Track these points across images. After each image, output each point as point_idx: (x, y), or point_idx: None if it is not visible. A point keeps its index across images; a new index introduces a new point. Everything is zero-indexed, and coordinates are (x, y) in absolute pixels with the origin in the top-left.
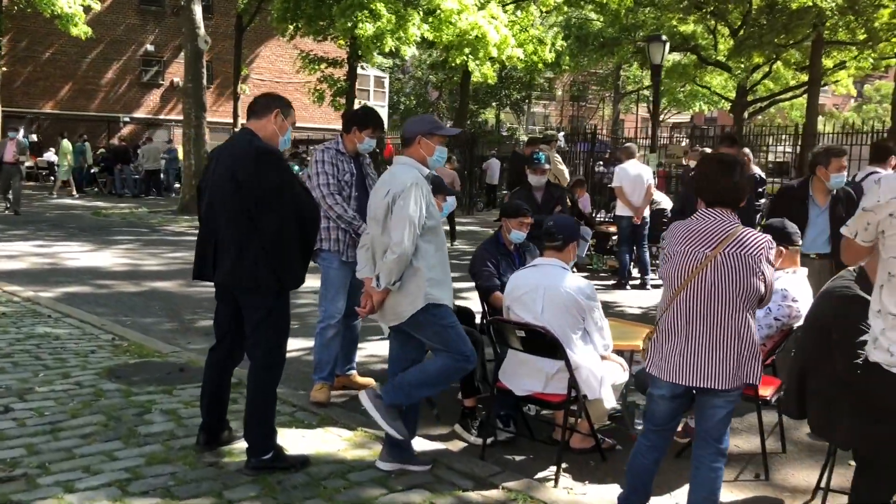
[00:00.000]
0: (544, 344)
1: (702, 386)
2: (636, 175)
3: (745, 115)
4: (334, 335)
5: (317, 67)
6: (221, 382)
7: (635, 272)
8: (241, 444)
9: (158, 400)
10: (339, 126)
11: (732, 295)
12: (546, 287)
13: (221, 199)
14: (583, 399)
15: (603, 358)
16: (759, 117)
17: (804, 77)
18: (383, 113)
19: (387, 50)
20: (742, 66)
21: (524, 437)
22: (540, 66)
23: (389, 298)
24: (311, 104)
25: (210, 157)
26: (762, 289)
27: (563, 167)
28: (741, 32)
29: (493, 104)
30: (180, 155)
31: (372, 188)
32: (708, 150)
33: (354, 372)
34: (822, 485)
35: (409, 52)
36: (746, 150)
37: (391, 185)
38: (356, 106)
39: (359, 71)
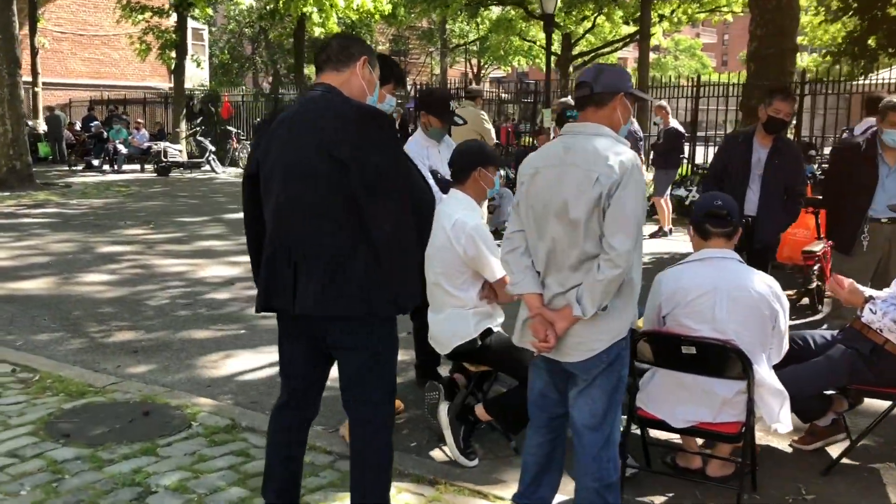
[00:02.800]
0: (723, 361)
1: None
2: None
3: (570, 69)
4: None
5: (141, 17)
6: (295, 456)
7: None
8: None
9: (148, 468)
10: (156, 83)
11: None
12: (729, 288)
13: (306, 188)
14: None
15: None
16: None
17: (622, 31)
18: (205, 67)
19: None
20: (574, 18)
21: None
22: (377, 17)
23: (582, 325)
24: (122, 60)
25: (268, 125)
26: None
27: (490, 126)
28: None
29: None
30: None
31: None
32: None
33: None
34: None
35: (247, 1)
36: (663, 102)
37: (595, 166)
38: (189, 60)
39: None
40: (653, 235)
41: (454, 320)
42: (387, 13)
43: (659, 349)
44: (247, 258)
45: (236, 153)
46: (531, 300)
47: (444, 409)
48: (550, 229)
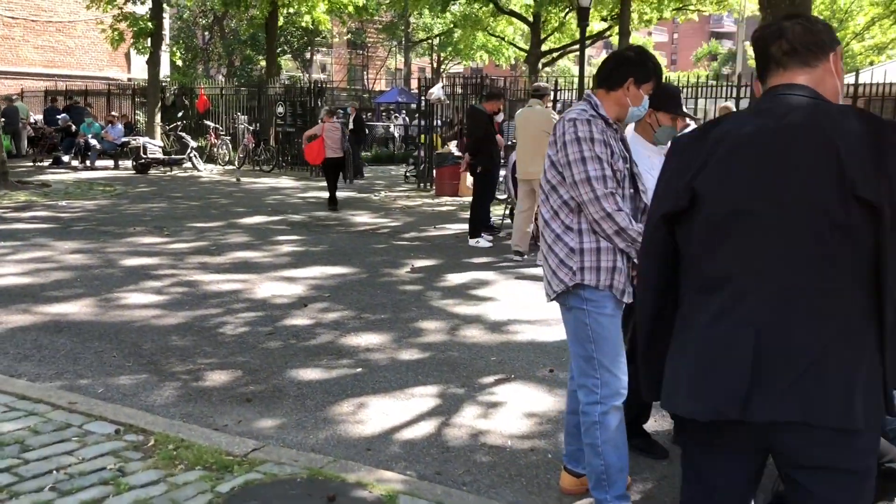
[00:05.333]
0: None
1: None
2: None
3: (539, 65)
4: (620, 423)
5: (113, 2)
6: None
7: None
8: None
9: None
10: (115, 73)
11: None
12: None
13: (807, 239)
14: None
15: None
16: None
17: (593, 29)
18: (166, 59)
19: None
20: (555, 14)
21: None
22: (350, 9)
23: None
24: (78, 49)
25: (699, 142)
26: None
27: None
28: None
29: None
30: None
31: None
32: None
33: None
34: None
35: None
36: (729, 103)
37: None
38: (164, 50)
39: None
40: None
41: None
42: (360, 5)
43: None
44: (302, 273)
45: (215, 149)
46: None
47: None
48: None
